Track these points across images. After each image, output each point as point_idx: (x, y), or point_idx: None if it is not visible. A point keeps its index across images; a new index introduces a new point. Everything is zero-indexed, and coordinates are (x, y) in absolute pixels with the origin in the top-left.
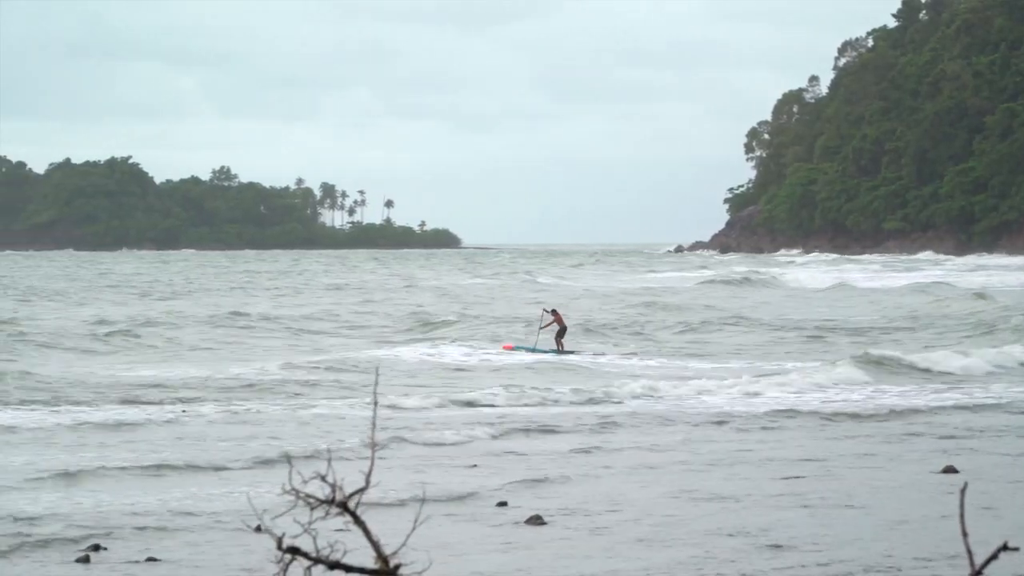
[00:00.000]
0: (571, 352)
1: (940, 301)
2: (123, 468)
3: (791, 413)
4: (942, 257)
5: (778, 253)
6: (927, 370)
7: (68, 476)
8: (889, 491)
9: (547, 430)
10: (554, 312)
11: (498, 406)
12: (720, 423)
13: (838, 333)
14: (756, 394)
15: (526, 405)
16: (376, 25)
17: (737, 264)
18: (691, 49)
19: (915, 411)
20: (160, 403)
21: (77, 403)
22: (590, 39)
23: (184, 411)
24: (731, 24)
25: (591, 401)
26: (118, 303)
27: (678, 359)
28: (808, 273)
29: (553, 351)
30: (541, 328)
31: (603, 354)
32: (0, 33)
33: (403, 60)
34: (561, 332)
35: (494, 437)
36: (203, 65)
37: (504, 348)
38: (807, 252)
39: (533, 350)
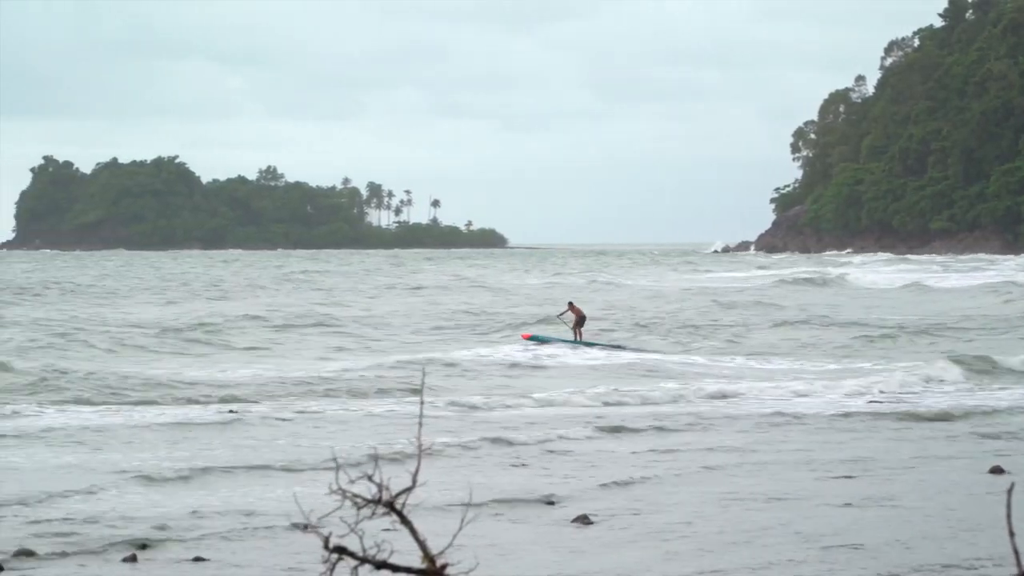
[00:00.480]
0: (590, 344)
1: (1014, 302)
2: (228, 468)
3: (898, 415)
4: (999, 257)
5: (825, 253)
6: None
7: (143, 478)
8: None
9: (652, 429)
10: (570, 304)
11: (588, 405)
12: (842, 418)
13: (928, 333)
14: (859, 393)
15: (619, 404)
16: (424, 24)
17: (795, 264)
18: (738, 48)
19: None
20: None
21: (178, 400)
22: (638, 38)
23: (232, 411)
24: (778, 23)
25: (679, 399)
26: (210, 300)
27: (772, 359)
28: (875, 274)
29: (571, 341)
30: (562, 319)
31: (621, 347)
32: (48, 33)
33: (451, 60)
34: (579, 322)
35: (588, 438)
36: (251, 64)
37: (523, 337)
38: (856, 252)
39: (550, 340)
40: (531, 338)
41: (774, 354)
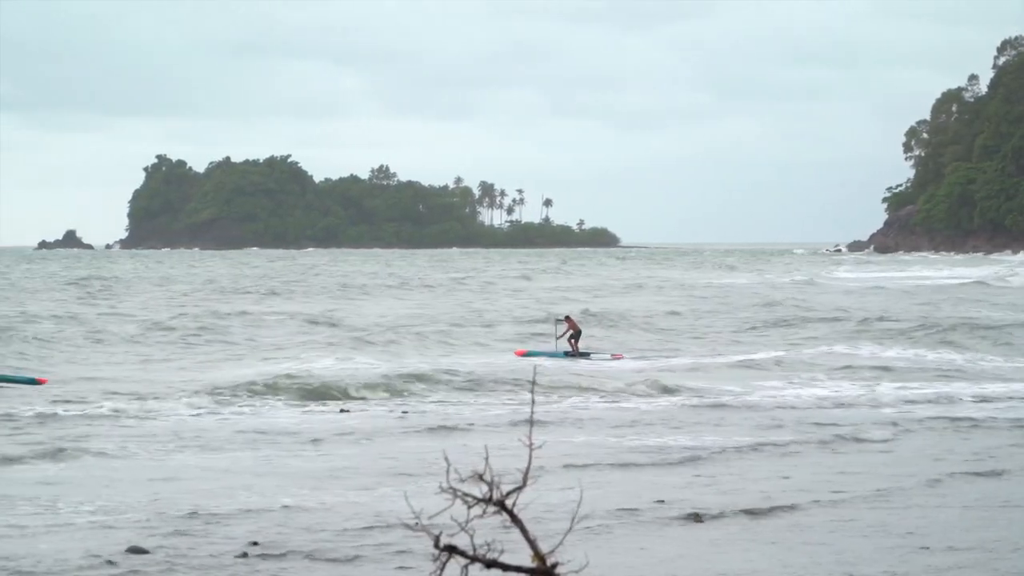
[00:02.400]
0: (584, 354)
1: None
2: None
3: None
4: None
5: (937, 253)
6: None
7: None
8: None
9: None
10: (567, 319)
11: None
12: None
13: None
14: None
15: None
16: (540, 24)
17: (966, 264)
18: (854, 47)
19: None
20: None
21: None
22: (752, 38)
23: (342, 410)
24: (894, 22)
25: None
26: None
27: None
28: None
29: (567, 353)
30: (558, 338)
31: (621, 356)
32: (164, 33)
33: (566, 59)
34: (576, 335)
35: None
36: (367, 64)
37: (516, 354)
38: (972, 252)
39: (545, 354)
40: (526, 354)
41: None
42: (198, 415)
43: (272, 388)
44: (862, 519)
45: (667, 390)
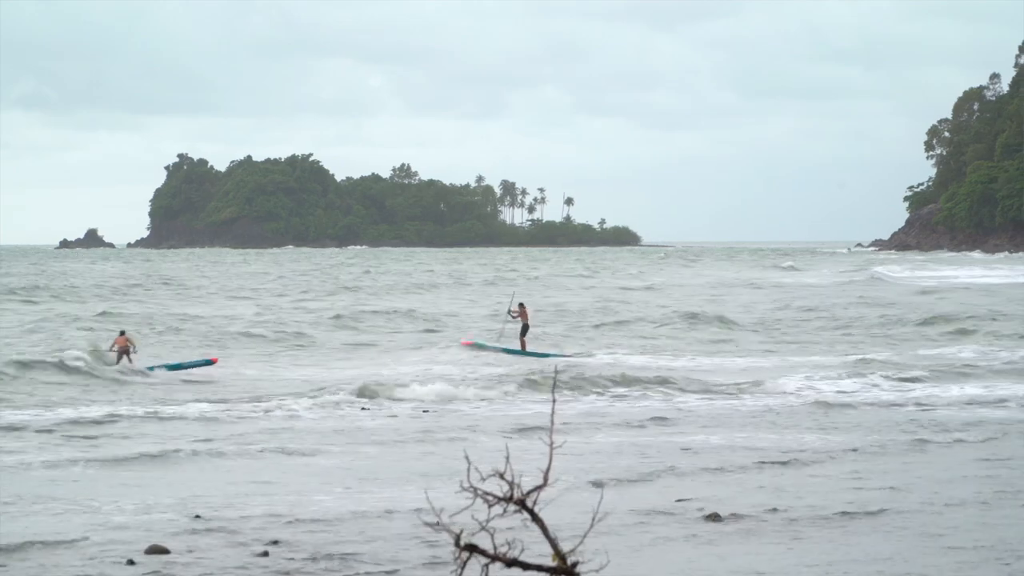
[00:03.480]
0: (534, 354)
1: None
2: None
3: None
4: None
5: (962, 251)
6: None
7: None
8: None
9: None
10: (521, 306)
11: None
12: None
13: None
14: None
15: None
16: (568, 23)
17: (999, 264)
18: (881, 46)
19: None
20: None
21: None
22: (781, 37)
23: (425, 410)
24: (918, 20)
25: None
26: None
27: None
28: None
29: (517, 352)
30: (508, 316)
31: (581, 354)
32: (189, 32)
33: (593, 58)
34: (523, 330)
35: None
36: (394, 63)
37: (463, 343)
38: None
39: (489, 347)
40: (472, 345)
41: None
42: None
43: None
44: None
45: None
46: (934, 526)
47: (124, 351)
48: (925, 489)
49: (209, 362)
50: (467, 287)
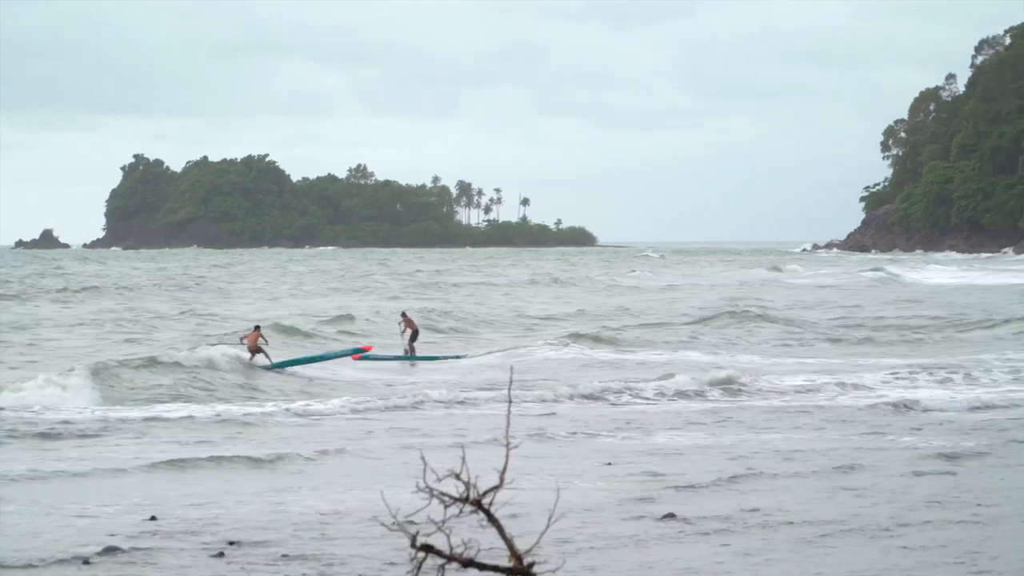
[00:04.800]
0: (425, 357)
1: None
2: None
3: None
4: None
5: (916, 251)
6: None
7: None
8: None
9: None
10: (403, 315)
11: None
12: None
13: None
14: None
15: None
16: (526, 23)
17: (975, 265)
18: (838, 46)
19: None
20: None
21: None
22: (738, 37)
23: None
24: (876, 21)
25: None
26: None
27: None
28: None
29: (404, 357)
30: (402, 334)
31: (464, 356)
32: (145, 32)
33: (552, 58)
34: (413, 336)
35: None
36: (352, 63)
37: (354, 358)
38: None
39: (387, 358)
40: (362, 357)
41: None
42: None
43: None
44: None
45: None
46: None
47: (255, 347)
48: None
49: (359, 350)
50: (538, 286)
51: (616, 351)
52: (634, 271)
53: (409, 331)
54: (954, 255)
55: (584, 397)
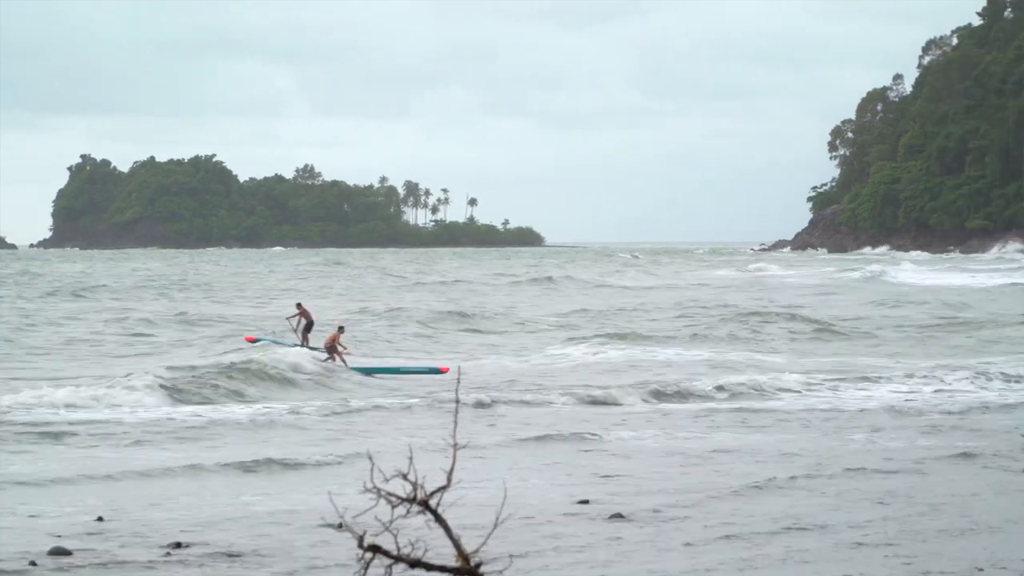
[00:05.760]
0: (316, 348)
1: None
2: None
3: None
4: None
5: (863, 251)
6: None
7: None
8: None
9: None
10: (299, 306)
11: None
12: None
13: None
14: None
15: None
16: (476, 23)
17: (943, 266)
18: (787, 46)
19: None
20: None
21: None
22: (688, 37)
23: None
24: (826, 21)
25: None
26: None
27: None
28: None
29: (299, 346)
30: (292, 325)
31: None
32: (93, 31)
33: (501, 58)
34: (308, 327)
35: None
36: (301, 63)
37: (247, 340)
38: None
39: (275, 342)
40: (255, 340)
41: None
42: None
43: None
44: None
45: None
46: None
47: (332, 348)
48: None
49: (437, 370)
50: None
51: (650, 349)
52: (618, 271)
53: (304, 322)
54: (923, 255)
55: (653, 395)
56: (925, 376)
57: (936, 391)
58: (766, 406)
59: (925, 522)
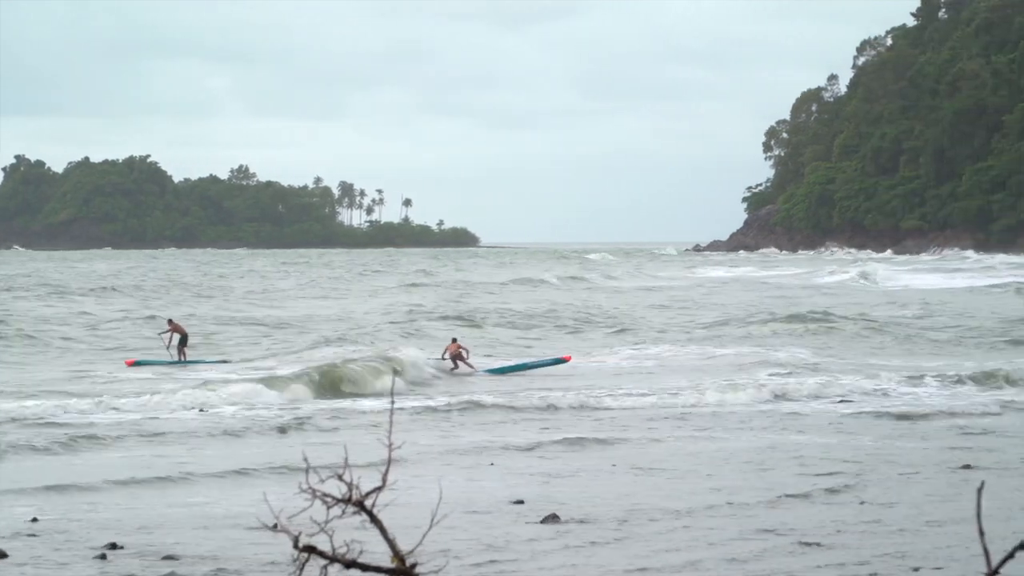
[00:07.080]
0: (194, 361)
1: None
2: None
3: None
4: (985, 256)
5: (799, 252)
6: None
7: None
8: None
9: None
10: (170, 322)
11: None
12: None
13: None
14: None
15: None
16: (412, 23)
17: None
18: (725, 47)
19: None
20: None
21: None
22: (626, 37)
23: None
24: (764, 21)
25: None
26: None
27: None
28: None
29: (176, 362)
30: (163, 340)
31: (227, 360)
32: (27, 32)
33: (437, 59)
34: (182, 340)
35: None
36: (237, 63)
37: (127, 364)
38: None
39: (155, 363)
40: (135, 363)
41: None
42: None
43: None
44: None
45: None
46: None
47: (457, 356)
48: None
49: (561, 360)
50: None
51: (720, 347)
52: (595, 272)
53: (177, 336)
54: (875, 253)
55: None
56: None
57: None
58: None
59: None
